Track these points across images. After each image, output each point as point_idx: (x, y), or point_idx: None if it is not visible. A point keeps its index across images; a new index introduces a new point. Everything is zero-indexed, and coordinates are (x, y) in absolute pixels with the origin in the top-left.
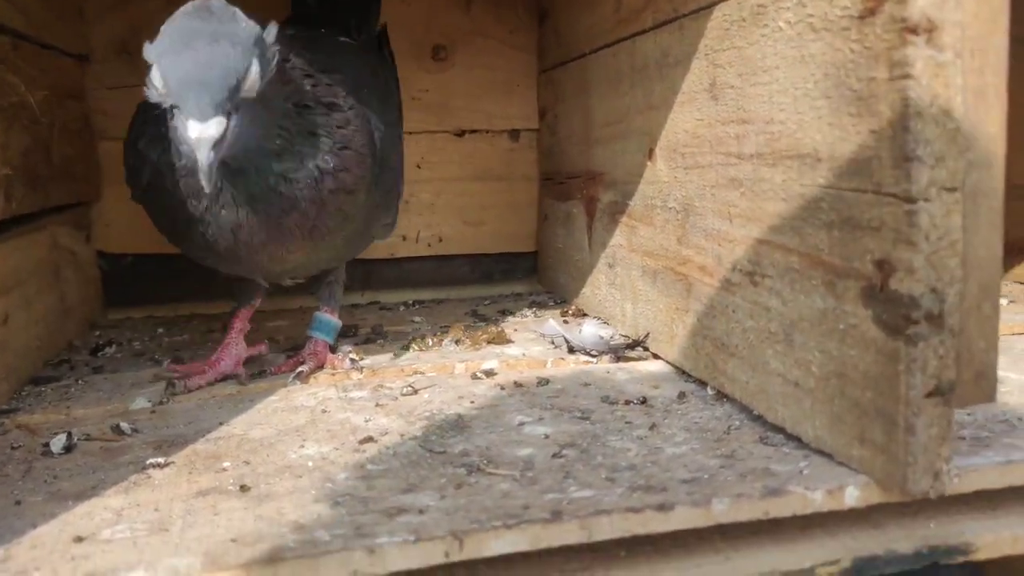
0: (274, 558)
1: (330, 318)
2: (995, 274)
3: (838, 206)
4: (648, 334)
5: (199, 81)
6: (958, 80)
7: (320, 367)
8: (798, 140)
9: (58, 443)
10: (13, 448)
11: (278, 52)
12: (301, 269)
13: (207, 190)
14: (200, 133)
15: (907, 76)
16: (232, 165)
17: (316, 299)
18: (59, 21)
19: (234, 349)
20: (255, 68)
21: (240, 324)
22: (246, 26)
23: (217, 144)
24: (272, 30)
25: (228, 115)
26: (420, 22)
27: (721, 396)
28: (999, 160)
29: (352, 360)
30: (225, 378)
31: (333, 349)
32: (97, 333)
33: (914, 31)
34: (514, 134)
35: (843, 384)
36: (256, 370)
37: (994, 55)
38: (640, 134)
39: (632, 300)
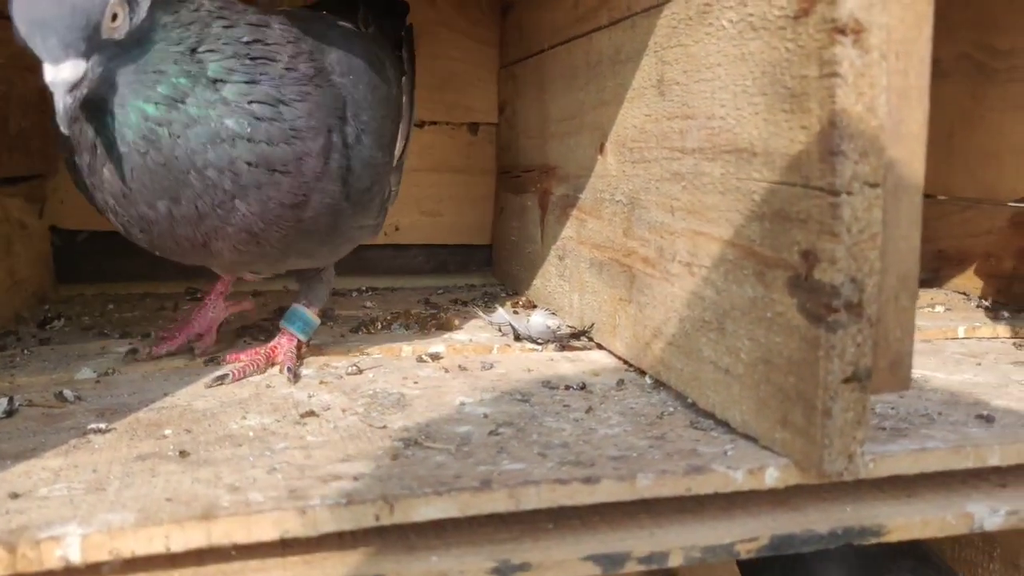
0: (207, 515)
1: (307, 313)
2: (913, 267)
3: (770, 199)
4: (593, 324)
5: (46, 22)
6: (883, 80)
7: (259, 370)
8: (736, 135)
9: None
10: None
11: None
12: (251, 265)
13: (65, 132)
14: (53, 76)
15: (835, 75)
16: (98, 106)
17: (297, 292)
18: None
19: (209, 312)
20: (113, 5)
21: (221, 287)
22: None
23: (75, 87)
24: None
25: (86, 57)
26: None
27: (658, 384)
28: (920, 159)
29: (293, 373)
30: (193, 339)
31: (300, 347)
32: (46, 307)
33: (842, 32)
34: (473, 127)
35: (769, 370)
36: (213, 354)
37: (918, 59)
38: (592, 129)
39: (579, 291)
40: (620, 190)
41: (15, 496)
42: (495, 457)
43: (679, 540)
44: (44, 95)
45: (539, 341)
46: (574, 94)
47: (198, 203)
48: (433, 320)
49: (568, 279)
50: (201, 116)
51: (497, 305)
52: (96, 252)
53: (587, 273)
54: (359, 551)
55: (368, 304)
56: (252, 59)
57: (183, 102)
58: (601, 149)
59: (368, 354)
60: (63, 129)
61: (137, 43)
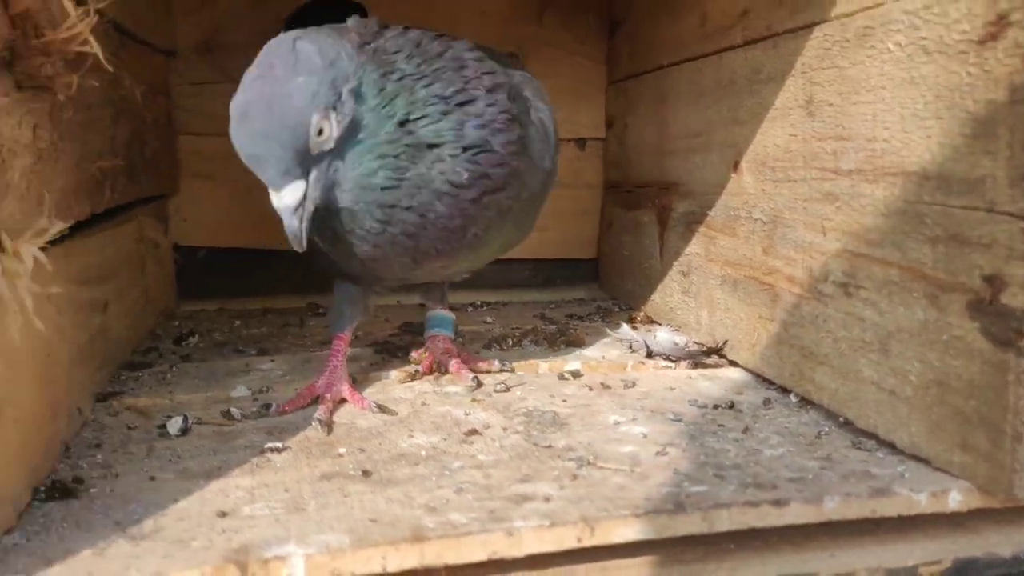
0: (418, 537)
1: (447, 314)
2: None
3: (945, 223)
4: (726, 341)
5: (259, 157)
6: None
7: (447, 370)
8: (903, 158)
9: (174, 425)
10: (130, 428)
11: (364, 77)
12: (466, 269)
13: (299, 250)
14: (277, 203)
15: None
16: (328, 208)
17: (426, 300)
18: (153, 18)
19: (333, 376)
20: (317, 122)
21: (340, 344)
22: (305, 80)
23: (299, 208)
24: (344, 60)
25: (305, 175)
26: (495, 31)
27: (805, 403)
28: None
29: (476, 381)
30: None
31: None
32: (176, 323)
33: None
34: (580, 142)
35: (943, 393)
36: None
37: None
38: (724, 147)
39: (708, 308)
40: (759, 208)
41: (223, 515)
42: (673, 478)
43: (863, 562)
44: (170, 117)
45: (671, 358)
46: (700, 112)
47: (436, 245)
48: (562, 336)
49: (695, 296)
50: (425, 181)
51: (621, 322)
52: (215, 268)
53: (718, 290)
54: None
55: (488, 319)
56: (459, 105)
57: (406, 177)
58: (735, 167)
59: (509, 371)
60: (296, 248)
61: (351, 136)
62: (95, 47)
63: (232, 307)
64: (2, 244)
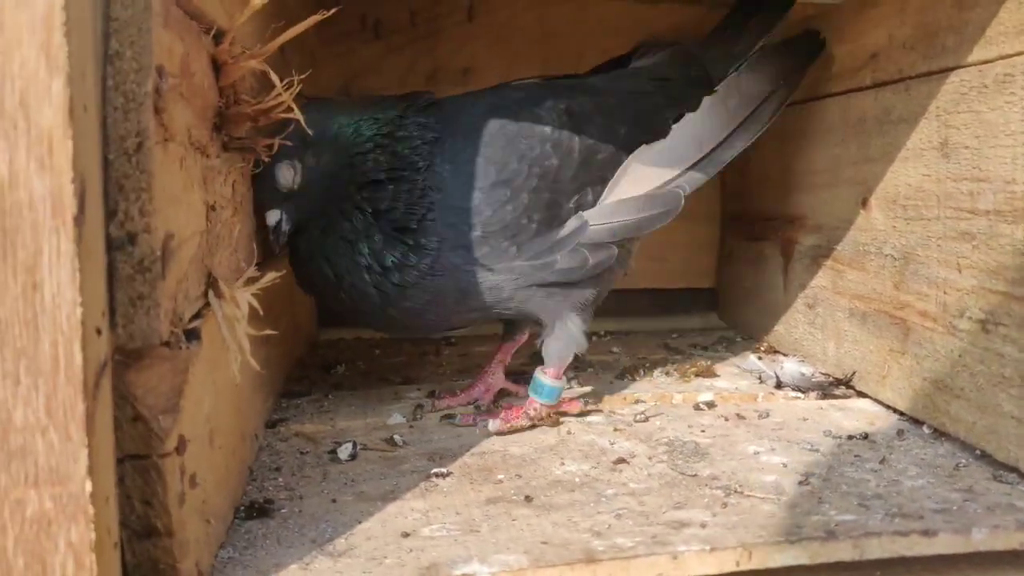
0: (591, 559)
1: (544, 380)
2: None
3: None
4: (854, 373)
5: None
6: None
7: (530, 424)
8: None
9: (345, 451)
10: (302, 453)
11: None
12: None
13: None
14: (266, 220)
15: None
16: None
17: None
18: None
19: (489, 379)
20: (280, 170)
21: (501, 356)
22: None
23: (275, 230)
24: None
25: (280, 209)
26: None
27: (939, 434)
28: None
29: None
30: (472, 403)
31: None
32: (321, 352)
33: None
34: None
35: None
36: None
37: None
38: (852, 184)
39: (835, 340)
40: (889, 244)
41: (406, 535)
42: (819, 507)
43: None
44: None
45: (800, 388)
46: (828, 149)
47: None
48: (692, 367)
49: (821, 328)
50: (365, 250)
51: (748, 353)
52: None
53: (846, 323)
54: None
55: (614, 349)
56: (396, 180)
57: (358, 236)
58: (864, 204)
59: (644, 401)
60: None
61: (311, 186)
62: (298, 114)
63: (367, 335)
64: (221, 291)
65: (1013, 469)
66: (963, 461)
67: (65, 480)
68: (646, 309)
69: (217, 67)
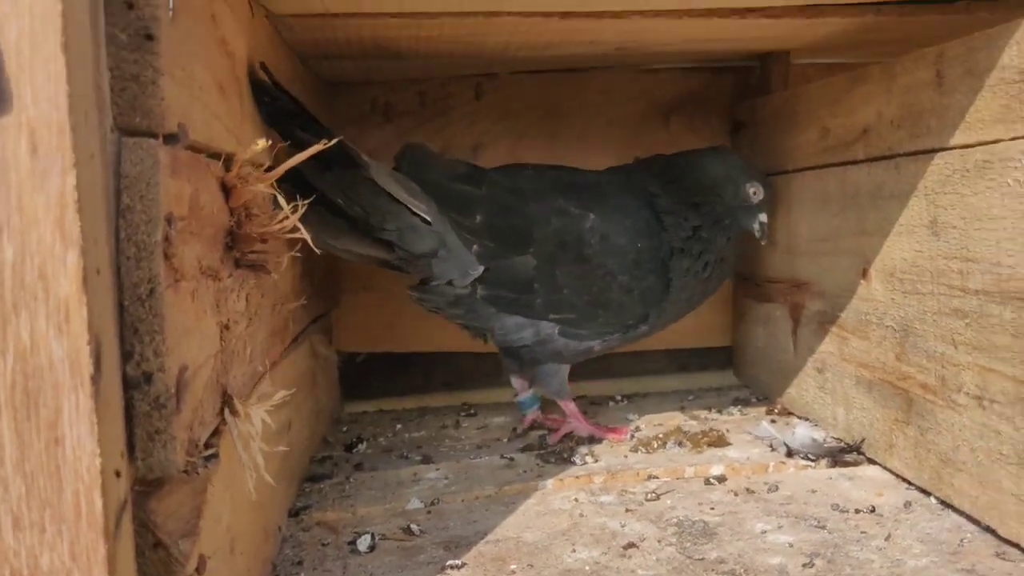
0: None
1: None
2: None
3: None
4: (863, 440)
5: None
6: None
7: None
8: None
9: (363, 543)
10: (323, 545)
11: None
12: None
13: None
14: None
15: None
16: None
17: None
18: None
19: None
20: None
21: (575, 406)
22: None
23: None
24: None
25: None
26: (624, 139)
27: (946, 505)
28: None
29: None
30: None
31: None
32: (344, 428)
33: None
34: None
35: None
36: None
37: None
38: (852, 254)
39: (844, 406)
40: (889, 315)
41: None
42: None
43: None
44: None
45: (811, 456)
46: (827, 219)
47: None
48: (704, 437)
49: (830, 392)
50: None
51: (761, 420)
52: (371, 372)
53: (853, 390)
54: None
55: (630, 416)
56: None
57: None
58: (864, 274)
59: (656, 476)
60: None
61: None
62: (305, 235)
63: (388, 407)
64: (236, 409)
65: (1016, 545)
66: (968, 536)
67: None
68: (661, 368)
69: (226, 189)
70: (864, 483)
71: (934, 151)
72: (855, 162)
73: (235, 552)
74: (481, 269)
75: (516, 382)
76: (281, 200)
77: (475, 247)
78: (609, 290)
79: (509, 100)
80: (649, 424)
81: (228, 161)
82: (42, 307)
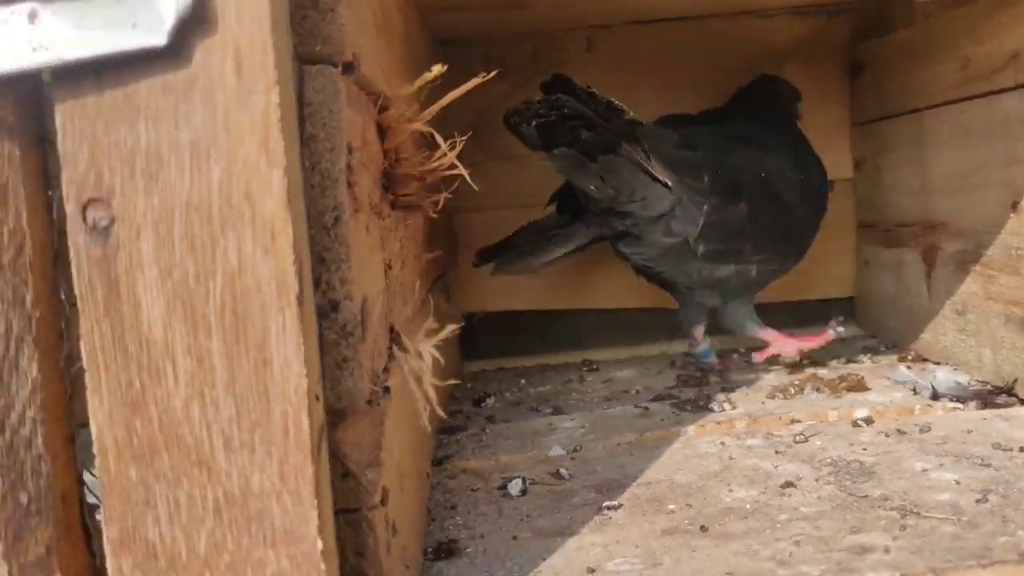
0: None
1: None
2: None
3: None
4: (1016, 380)
5: None
6: None
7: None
8: None
9: (515, 487)
10: (473, 490)
11: None
12: None
13: None
14: None
15: None
16: None
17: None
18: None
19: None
20: None
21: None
22: None
23: None
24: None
25: None
26: (739, 85)
27: None
28: None
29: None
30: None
31: None
32: (469, 385)
33: None
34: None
35: None
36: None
37: None
38: (1000, 186)
39: (992, 347)
40: None
41: (591, 571)
42: (1005, 527)
43: None
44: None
45: (958, 399)
46: (968, 153)
47: None
48: (842, 382)
49: (974, 334)
50: None
51: (898, 364)
52: (488, 331)
53: (1002, 329)
54: None
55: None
56: None
57: None
58: (1014, 207)
59: (799, 420)
60: None
61: None
62: (463, 171)
63: (508, 365)
64: (404, 345)
65: None
66: None
67: (299, 540)
68: (783, 322)
69: (382, 131)
70: (1022, 423)
71: None
72: (1003, 90)
73: (404, 490)
74: (703, 223)
75: (696, 331)
76: (439, 138)
77: (705, 207)
78: (793, 222)
79: (621, 51)
80: (779, 374)
81: (380, 102)
82: (248, 227)
